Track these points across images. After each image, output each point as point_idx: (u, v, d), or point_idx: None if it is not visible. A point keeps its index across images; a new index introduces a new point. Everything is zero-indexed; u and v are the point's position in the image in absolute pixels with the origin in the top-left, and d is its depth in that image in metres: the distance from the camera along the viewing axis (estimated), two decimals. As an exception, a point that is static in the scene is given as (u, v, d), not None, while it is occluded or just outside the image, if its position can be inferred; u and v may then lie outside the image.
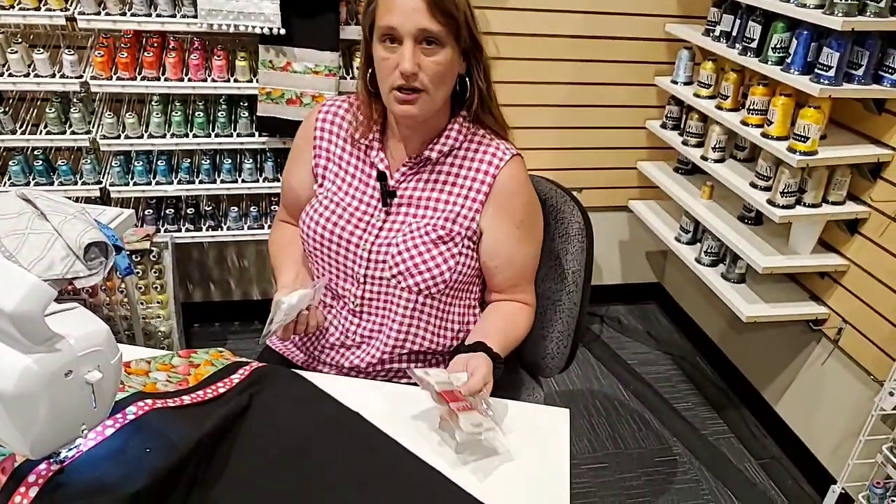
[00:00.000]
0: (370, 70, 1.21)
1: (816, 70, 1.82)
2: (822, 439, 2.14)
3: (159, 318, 2.32)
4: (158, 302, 2.30)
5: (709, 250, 2.31)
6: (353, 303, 1.29)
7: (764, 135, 1.97)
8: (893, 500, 1.66)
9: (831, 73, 1.78)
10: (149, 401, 0.98)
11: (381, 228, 1.26)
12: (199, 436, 0.92)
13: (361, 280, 1.27)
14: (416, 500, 0.94)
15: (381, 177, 1.26)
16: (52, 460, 0.84)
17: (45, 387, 0.72)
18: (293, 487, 0.94)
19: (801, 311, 2.11)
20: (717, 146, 2.25)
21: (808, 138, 1.82)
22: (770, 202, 1.96)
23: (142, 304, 2.29)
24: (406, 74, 1.12)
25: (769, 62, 1.97)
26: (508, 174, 1.24)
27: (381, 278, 1.26)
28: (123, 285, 2.07)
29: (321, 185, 1.32)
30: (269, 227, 2.37)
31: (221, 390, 1.08)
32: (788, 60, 1.91)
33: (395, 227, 1.25)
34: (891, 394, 1.68)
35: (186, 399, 1.03)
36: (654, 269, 3.14)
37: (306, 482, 0.95)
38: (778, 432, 2.36)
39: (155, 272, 2.27)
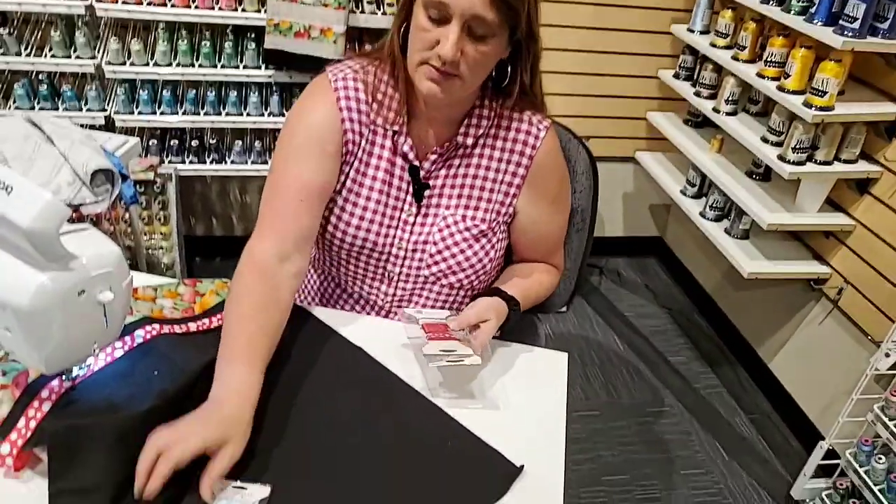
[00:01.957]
0: (405, 25, 1.04)
1: (841, 21, 1.78)
2: (813, 397, 2.19)
3: (162, 249, 2.34)
4: (161, 233, 2.32)
5: (714, 205, 2.31)
6: (382, 301, 1.21)
7: (780, 88, 1.95)
8: (880, 458, 1.71)
9: (856, 24, 1.74)
10: (156, 325, 1.00)
11: (413, 224, 1.16)
12: (204, 362, 0.95)
13: (395, 279, 1.19)
14: (419, 434, 0.97)
15: (413, 170, 1.13)
16: (64, 378, 0.86)
17: (59, 304, 0.74)
18: (296, 415, 0.97)
19: (802, 269, 2.13)
20: (730, 98, 2.23)
21: (825, 93, 1.80)
22: (781, 158, 1.95)
23: (145, 234, 2.30)
24: (444, 60, 0.97)
25: (792, 11, 1.93)
26: (545, 152, 1.15)
27: (416, 277, 1.19)
28: (128, 215, 2.08)
29: (343, 184, 1.13)
30: (274, 163, 2.36)
31: (227, 319, 1.10)
32: (812, 10, 1.87)
33: (428, 222, 1.16)
34: (887, 354, 1.71)
35: (192, 326, 1.05)
36: (656, 222, 3.15)
37: (309, 411, 0.97)
38: (770, 389, 2.41)
39: (159, 203, 2.27)
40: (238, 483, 0.85)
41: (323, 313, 1.17)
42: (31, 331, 0.74)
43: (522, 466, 0.93)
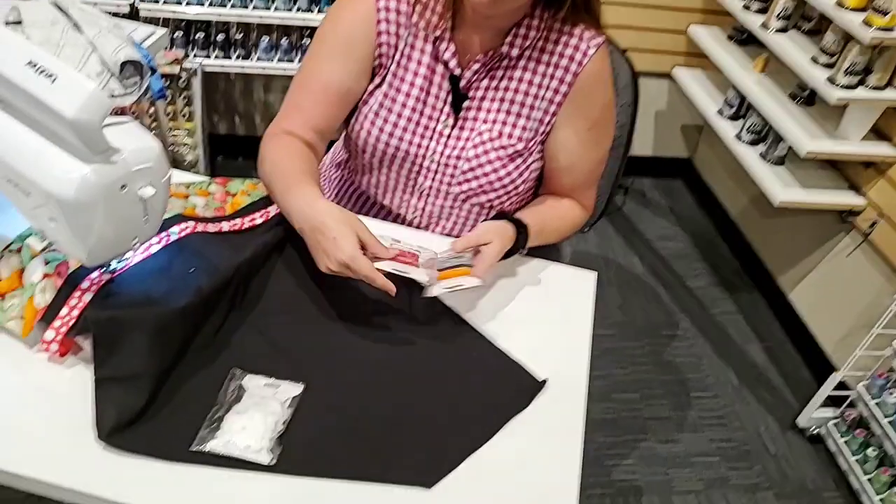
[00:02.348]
0: None
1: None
2: (830, 329, 2.21)
3: (186, 146, 2.33)
4: (186, 130, 2.30)
5: (751, 128, 2.25)
6: (413, 215, 1.20)
7: (839, 4, 1.84)
8: (892, 392, 1.74)
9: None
10: (190, 223, 1.01)
11: (448, 136, 1.12)
12: (238, 262, 0.96)
13: (426, 193, 1.17)
14: (443, 344, 0.99)
15: (454, 80, 1.09)
16: (103, 270, 0.88)
17: (102, 198, 0.74)
18: (327, 319, 0.99)
19: (836, 199, 2.09)
20: (781, 14, 2.12)
21: (888, 12, 1.71)
22: (830, 81, 1.88)
23: (170, 130, 2.29)
24: None
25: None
26: (591, 71, 1.09)
27: (447, 194, 1.16)
28: (153, 109, 2.06)
29: (379, 86, 1.11)
30: (300, 61, 2.31)
31: (258, 221, 1.10)
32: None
33: (464, 136, 1.12)
34: (912, 291, 1.70)
35: (225, 226, 1.06)
36: (686, 143, 3.08)
37: (339, 315, 1.00)
38: (786, 318, 2.42)
39: (183, 99, 2.24)
40: (272, 380, 0.88)
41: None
42: (74, 223, 0.75)
43: (546, 381, 0.96)
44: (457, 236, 1.22)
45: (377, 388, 0.91)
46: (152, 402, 0.82)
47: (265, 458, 0.79)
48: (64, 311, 0.85)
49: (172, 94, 2.24)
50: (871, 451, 1.78)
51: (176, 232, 0.97)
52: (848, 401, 1.92)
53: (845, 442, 1.88)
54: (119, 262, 0.89)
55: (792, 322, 2.39)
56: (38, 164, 0.72)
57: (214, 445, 0.79)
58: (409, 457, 0.84)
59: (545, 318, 1.07)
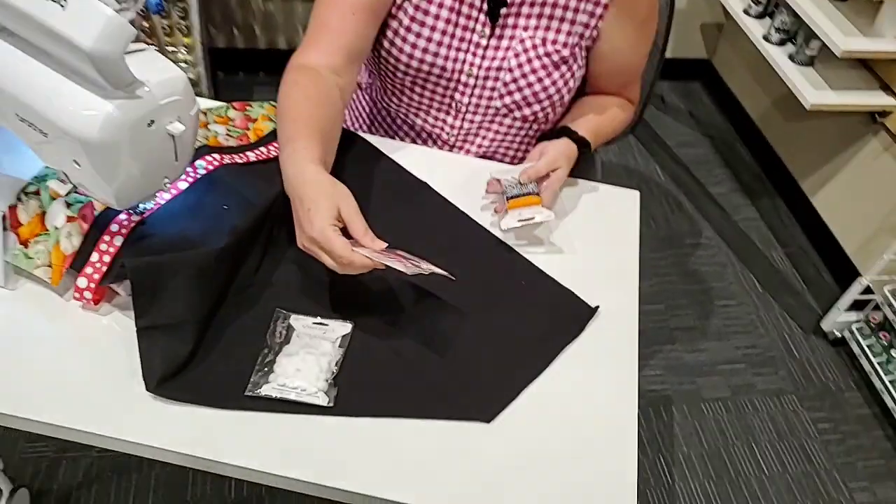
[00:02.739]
0: None
1: None
2: (854, 234, 2.17)
3: (186, 63, 2.21)
4: (185, 46, 2.17)
5: (780, 26, 2.13)
6: (448, 135, 1.13)
7: None
8: (922, 296, 1.72)
9: None
10: (216, 155, 0.94)
11: (486, 47, 1.04)
12: (273, 195, 0.90)
13: (463, 110, 1.09)
14: (489, 273, 0.95)
15: None
16: (132, 211, 0.83)
17: (128, 136, 0.67)
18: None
19: (869, 101, 2.00)
20: None
21: None
22: (870, -26, 1.75)
23: (168, 47, 2.16)
24: None
25: None
26: None
27: (486, 108, 1.09)
28: (147, 25, 1.93)
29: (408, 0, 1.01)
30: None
31: (285, 148, 1.04)
32: None
33: (503, 46, 1.04)
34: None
35: (251, 156, 0.99)
36: (706, 43, 2.94)
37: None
38: (808, 223, 2.38)
39: (179, 11, 2.10)
40: (319, 319, 0.84)
41: (381, 143, 1.10)
42: (100, 164, 0.69)
43: (598, 307, 0.92)
44: (492, 154, 1.16)
45: (427, 323, 0.87)
46: (198, 349, 0.78)
47: (322, 400, 0.77)
48: (94, 256, 0.80)
49: (167, 6, 2.10)
50: (895, 353, 1.78)
51: (203, 166, 0.91)
52: (872, 304, 1.91)
53: (868, 345, 1.88)
54: (148, 202, 0.83)
55: (814, 227, 2.35)
56: (56, 103, 0.65)
57: (269, 390, 0.76)
58: (466, 392, 0.81)
59: (591, 242, 1.03)
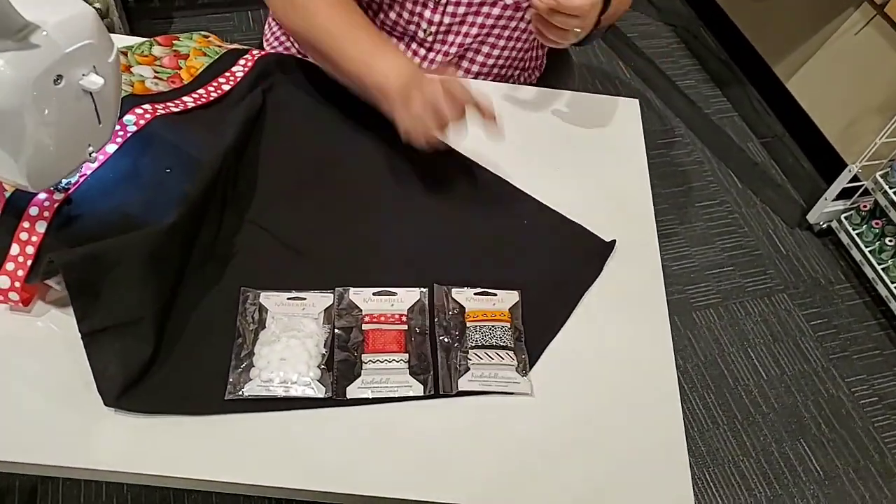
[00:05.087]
0: None
1: None
2: (835, 119, 2.12)
3: (85, -10, 1.95)
4: (80, -31, 1.91)
5: None
6: (426, 32, 0.99)
7: None
8: (915, 180, 1.69)
9: None
10: (146, 106, 0.79)
11: None
12: (222, 149, 0.77)
13: (443, 1, 0.95)
14: (486, 213, 0.84)
15: None
16: (53, 188, 0.68)
17: (31, 99, 0.53)
18: (348, 200, 0.82)
19: (848, -31, 1.90)
20: None
21: None
22: None
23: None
24: None
25: None
26: None
27: None
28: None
29: None
30: None
31: (226, 87, 0.89)
32: None
33: None
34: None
35: (189, 101, 0.85)
36: (662, -79, 2.76)
37: (360, 194, 0.83)
38: (784, 110, 2.32)
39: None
40: (295, 294, 0.73)
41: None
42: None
43: (614, 241, 0.83)
44: (476, 49, 1.02)
45: (429, 282, 0.77)
46: (160, 348, 0.67)
47: (318, 391, 0.67)
48: (14, 249, 0.67)
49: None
50: (888, 241, 1.77)
51: (132, 122, 0.76)
52: (860, 191, 1.88)
53: (858, 234, 1.86)
54: (71, 176, 0.69)
55: (791, 114, 2.28)
56: (-77, 63, 0.50)
57: (253, 388, 0.66)
58: (481, 359, 0.72)
59: (592, 165, 0.92)
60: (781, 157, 2.22)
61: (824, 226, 1.98)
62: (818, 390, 1.68)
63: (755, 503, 1.49)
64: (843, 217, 1.91)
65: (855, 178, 1.87)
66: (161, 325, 0.67)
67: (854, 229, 1.87)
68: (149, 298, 0.66)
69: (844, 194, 1.91)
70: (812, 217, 1.98)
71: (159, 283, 0.67)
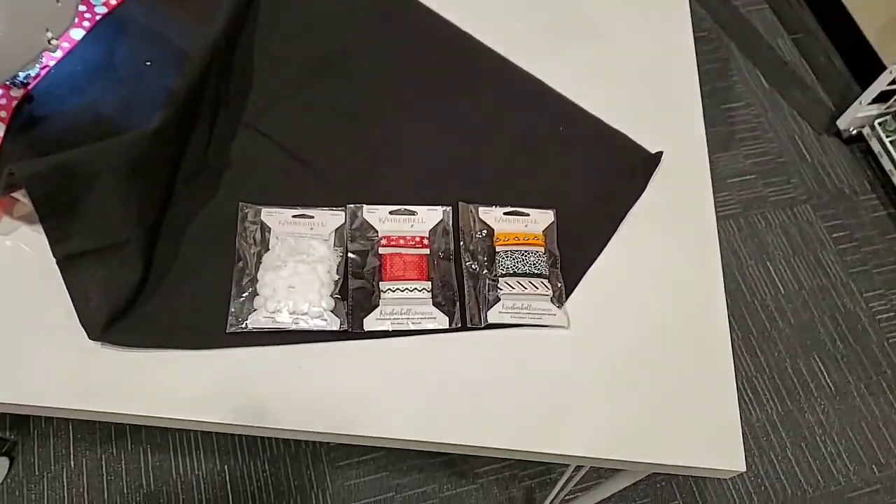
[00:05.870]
0: None
1: None
2: (876, 13, 1.97)
3: None
4: None
5: None
6: None
7: None
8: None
9: None
10: (118, -17, 0.68)
11: None
12: (211, 40, 0.66)
13: None
14: (503, 117, 0.75)
15: None
16: (9, 84, 0.58)
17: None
18: (344, 104, 0.72)
19: None
20: None
21: None
22: None
23: None
24: None
25: None
26: None
27: None
28: None
29: None
30: None
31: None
32: None
33: None
34: None
35: (169, -22, 0.73)
36: None
37: (375, 91, 0.73)
38: (818, 2, 2.16)
39: None
40: (301, 210, 0.65)
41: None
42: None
43: (660, 153, 0.75)
44: None
45: (452, 199, 0.68)
46: (149, 274, 0.59)
47: (333, 323, 0.60)
48: (-30, 156, 0.57)
49: None
50: (922, 150, 1.69)
51: (101, 1, 0.64)
52: None
53: (892, 141, 1.77)
54: (30, 68, 0.59)
55: (826, 6, 2.13)
56: None
57: (257, 320, 0.59)
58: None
59: (633, 64, 0.82)
60: (813, 56, 2.08)
61: (854, 132, 1.88)
62: (835, 305, 1.64)
63: (766, 419, 1.49)
64: (876, 123, 1.81)
65: (893, 82, 1.76)
66: (149, 247, 0.59)
67: (888, 136, 1.78)
68: (133, 217, 0.58)
69: (881, 98, 1.81)
70: (842, 122, 1.87)
71: (145, 200, 0.59)
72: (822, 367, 1.56)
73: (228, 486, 1.23)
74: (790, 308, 1.62)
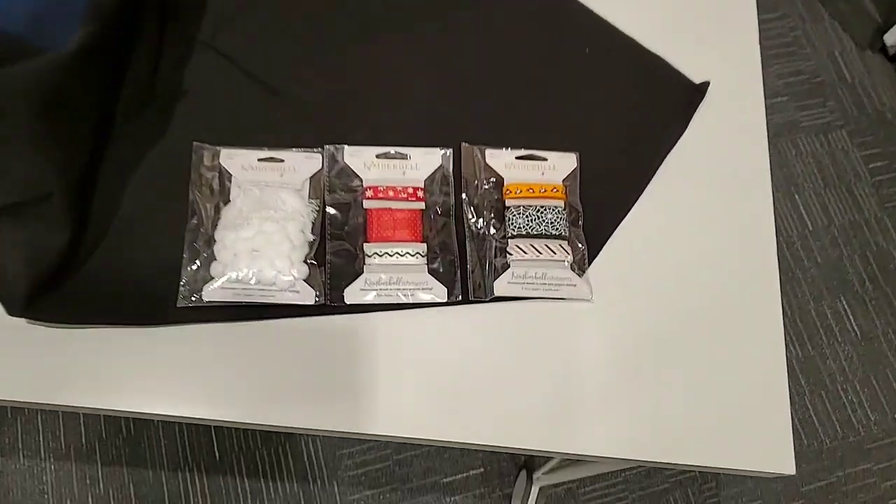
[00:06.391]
0: None
1: None
2: None
3: None
4: None
5: None
6: None
7: None
8: None
9: None
10: None
11: None
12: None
13: None
14: (515, 35, 0.62)
15: None
16: None
17: None
18: (321, 19, 0.60)
19: None
20: None
21: None
22: None
23: None
24: None
25: None
26: None
27: None
28: None
29: None
30: None
31: None
32: None
33: None
34: None
35: None
36: None
37: (339, 8, 0.60)
38: None
39: None
40: (269, 153, 0.53)
41: None
42: None
43: (707, 84, 0.62)
44: None
45: (454, 140, 0.57)
46: (81, 235, 0.49)
47: (306, 296, 0.50)
48: None
49: None
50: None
51: None
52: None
53: (941, 61, 1.62)
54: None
55: None
56: None
57: (214, 291, 0.49)
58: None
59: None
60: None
61: (900, 49, 1.73)
62: (867, 242, 1.54)
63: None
64: (927, 39, 1.65)
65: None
66: (79, 202, 0.49)
67: (938, 55, 1.63)
68: (55, 165, 0.46)
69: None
70: (890, 38, 1.71)
71: (68, 143, 0.47)
72: (847, 310, 1.47)
73: (212, 431, 1.17)
74: (817, 245, 1.52)
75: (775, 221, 0.60)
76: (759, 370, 0.54)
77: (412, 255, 0.52)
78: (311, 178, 0.54)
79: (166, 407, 0.47)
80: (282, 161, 0.54)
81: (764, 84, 0.65)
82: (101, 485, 1.16)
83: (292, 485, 1.17)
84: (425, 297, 0.51)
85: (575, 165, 0.57)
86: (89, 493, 1.16)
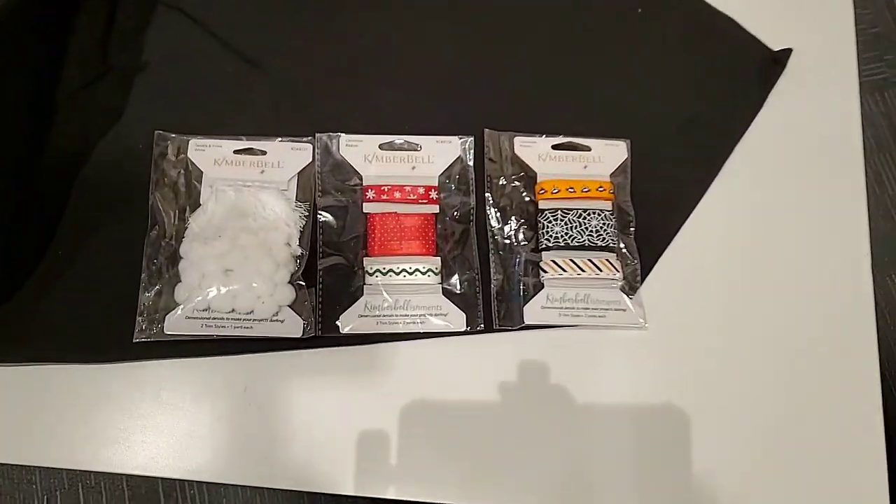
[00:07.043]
0: None
1: None
2: None
3: None
4: None
5: None
6: None
7: None
8: None
9: None
10: None
11: None
12: None
13: None
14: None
15: None
16: None
17: None
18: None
19: None
20: None
21: None
22: None
23: None
24: None
25: None
26: None
27: None
28: None
29: None
30: None
31: None
32: None
33: None
34: None
35: None
36: None
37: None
38: None
39: None
40: (248, 143, 0.44)
41: None
42: None
43: (788, 51, 0.51)
44: None
45: (476, 126, 0.47)
46: (13, 252, 0.40)
47: (292, 327, 0.41)
48: None
49: None
50: None
51: None
52: None
53: None
54: None
55: None
56: None
57: (177, 322, 0.40)
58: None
59: None
60: None
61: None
62: (924, 214, 1.43)
63: None
64: None
65: None
66: (8, 208, 0.39)
67: None
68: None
69: None
70: (957, -17, 1.57)
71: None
72: (900, 287, 1.37)
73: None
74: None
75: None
76: (851, 417, 0.44)
77: (423, 273, 0.43)
78: (299, 175, 0.44)
79: (119, 464, 0.39)
80: (263, 153, 0.44)
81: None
82: (93, 476, 1.10)
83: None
84: (439, 325, 0.42)
85: (626, 156, 0.47)
86: (80, 484, 1.11)
